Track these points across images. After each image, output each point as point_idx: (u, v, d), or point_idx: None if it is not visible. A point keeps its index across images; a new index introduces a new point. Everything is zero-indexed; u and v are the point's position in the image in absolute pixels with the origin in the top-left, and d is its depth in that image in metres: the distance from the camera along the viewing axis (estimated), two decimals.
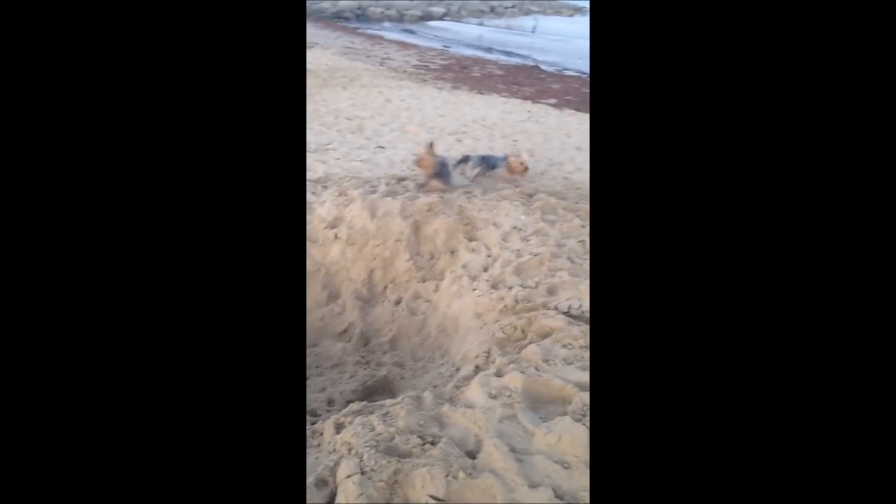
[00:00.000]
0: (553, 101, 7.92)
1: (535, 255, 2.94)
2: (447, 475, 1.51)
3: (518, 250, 3.04)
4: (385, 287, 3.27)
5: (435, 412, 1.84)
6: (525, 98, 7.97)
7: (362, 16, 18.90)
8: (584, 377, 1.90)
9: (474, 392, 1.89)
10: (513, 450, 1.61)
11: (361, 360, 2.84)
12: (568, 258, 2.92)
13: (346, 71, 8.97)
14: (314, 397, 2.48)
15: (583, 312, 2.38)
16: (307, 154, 4.52)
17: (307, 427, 1.85)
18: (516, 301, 2.57)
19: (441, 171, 3.84)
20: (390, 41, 13.66)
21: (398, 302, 3.18)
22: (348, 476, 1.49)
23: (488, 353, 2.26)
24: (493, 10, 23.79)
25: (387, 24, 18.18)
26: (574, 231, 3.26)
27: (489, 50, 13.26)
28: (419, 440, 1.65)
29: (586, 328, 2.21)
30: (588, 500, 1.46)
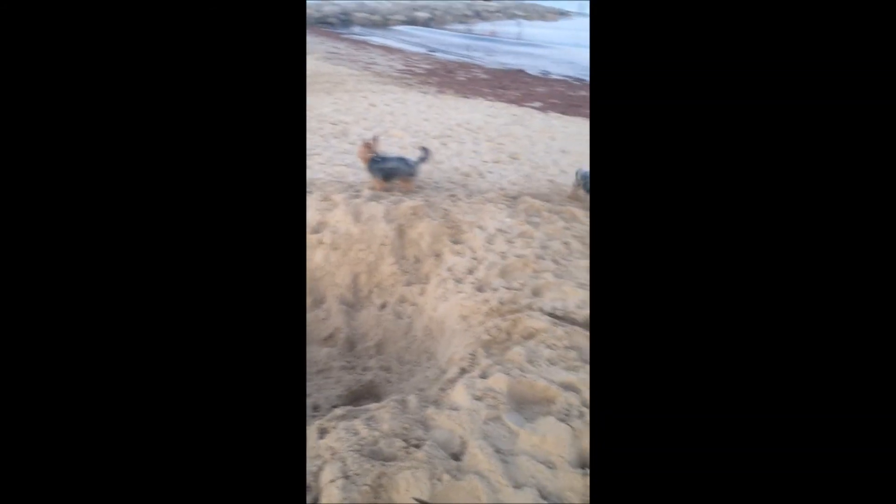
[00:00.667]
0: (538, 104, 7.98)
1: (520, 257, 2.95)
2: (432, 477, 1.51)
3: (503, 252, 3.05)
4: (370, 291, 3.26)
5: (420, 415, 1.84)
6: (510, 102, 8.02)
7: (346, 21, 18.87)
8: (569, 377, 1.91)
9: (459, 394, 1.88)
10: (497, 451, 1.61)
11: (347, 365, 2.82)
12: (552, 260, 2.93)
13: (329, 76, 8.94)
14: None
15: (567, 313, 2.39)
16: None
17: None
18: (501, 303, 2.58)
19: (370, 167, 3.79)
20: (375, 46, 13.66)
21: (383, 306, 3.16)
22: (332, 480, 1.48)
23: (473, 355, 2.26)
24: (477, 14, 23.94)
25: (371, 28, 18.18)
26: (558, 233, 3.29)
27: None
28: (403, 443, 1.64)
29: (570, 329, 2.23)
30: (573, 501, 1.47)
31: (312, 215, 3.44)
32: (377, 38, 15.58)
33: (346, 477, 1.49)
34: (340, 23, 18.54)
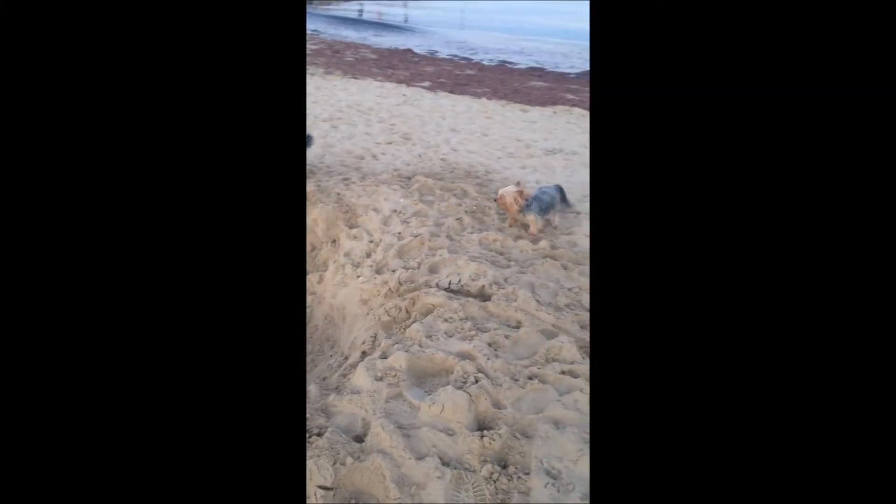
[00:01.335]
0: (427, 83, 8.00)
1: (416, 236, 2.98)
2: (334, 463, 1.50)
3: (399, 233, 3.06)
4: None
5: (320, 404, 1.81)
6: (399, 82, 7.96)
7: None
8: (465, 346, 1.99)
9: (360, 377, 1.89)
10: (399, 427, 1.64)
11: None
12: (447, 236, 3.00)
13: None
14: None
15: (462, 286, 2.47)
16: None
17: None
18: (400, 283, 2.60)
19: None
20: None
21: None
22: None
23: (374, 337, 2.26)
24: None
25: None
26: (452, 210, 3.36)
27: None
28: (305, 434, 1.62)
29: (465, 301, 2.31)
30: (472, 463, 1.54)
31: None
32: None
33: None
34: None
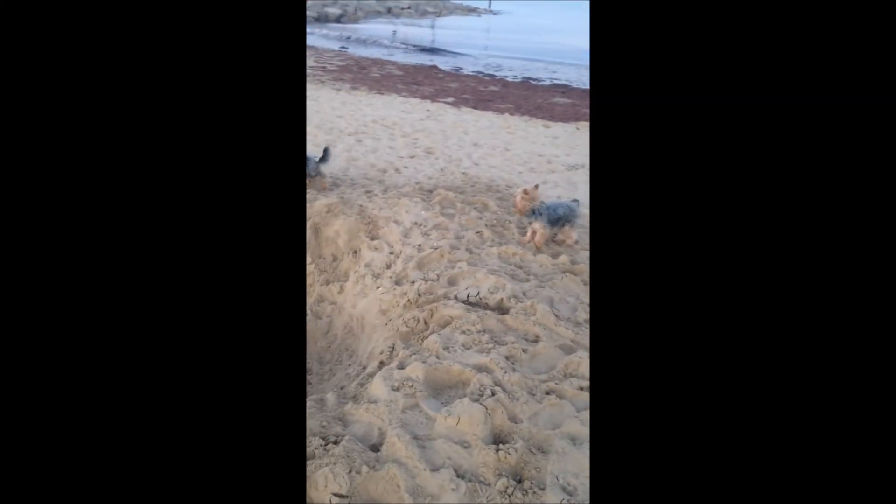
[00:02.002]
0: (451, 99, 8.10)
1: (436, 249, 3.00)
2: (350, 471, 1.51)
3: (419, 245, 3.09)
4: None
5: (338, 412, 1.83)
6: (424, 97, 8.08)
7: None
8: (482, 359, 1.98)
9: (377, 387, 1.90)
10: (415, 437, 1.65)
11: None
12: (467, 249, 3.01)
13: None
14: None
15: (480, 299, 2.47)
16: None
17: None
18: (419, 294, 2.61)
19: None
20: None
21: None
22: None
23: (392, 347, 2.28)
24: (389, 10, 23.81)
25: None
26: (472, 223, 3.38)
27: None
28: (321, 441, 1.63)
29: (483, 313, 2.31)
30: (487, 476, 1.53)
31: None
32: None
33: None
34: None
